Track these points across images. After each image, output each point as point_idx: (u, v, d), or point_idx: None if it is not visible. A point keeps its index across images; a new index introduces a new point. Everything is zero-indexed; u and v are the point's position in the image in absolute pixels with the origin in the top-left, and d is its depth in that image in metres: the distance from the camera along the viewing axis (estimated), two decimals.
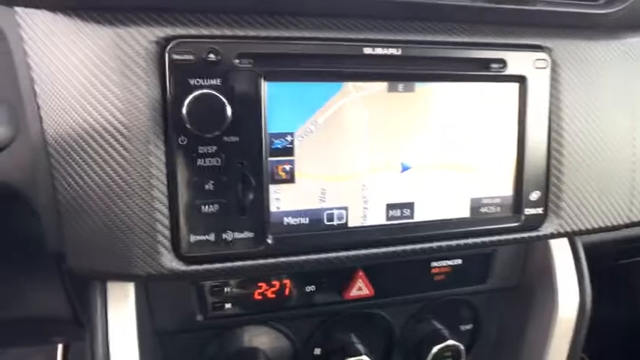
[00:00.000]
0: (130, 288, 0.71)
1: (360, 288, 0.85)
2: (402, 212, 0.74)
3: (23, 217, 0.70)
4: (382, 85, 0.71)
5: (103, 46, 0.62)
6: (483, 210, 0.77)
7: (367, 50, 0.70)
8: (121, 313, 0.70)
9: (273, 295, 0.82)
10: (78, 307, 0.82)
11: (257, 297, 0.82)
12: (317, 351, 0.90)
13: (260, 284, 0.82)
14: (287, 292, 0.83)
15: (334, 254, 0.71)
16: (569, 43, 0.80)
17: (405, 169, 0.73)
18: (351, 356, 0.87)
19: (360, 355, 0.87)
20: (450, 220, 0.76)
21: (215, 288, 0.79)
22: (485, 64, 0.75)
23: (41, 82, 0.63)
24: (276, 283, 0.82)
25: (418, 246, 0.74)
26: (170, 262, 0.65)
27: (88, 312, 0.72)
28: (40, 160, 0.64)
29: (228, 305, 0.81)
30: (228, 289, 0.80)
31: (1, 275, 0.81)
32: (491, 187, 0.77)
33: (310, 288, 0.83)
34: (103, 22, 0.62)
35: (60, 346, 1.64)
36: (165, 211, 0.64)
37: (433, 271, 0.89)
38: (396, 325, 0.92)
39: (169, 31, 0.63)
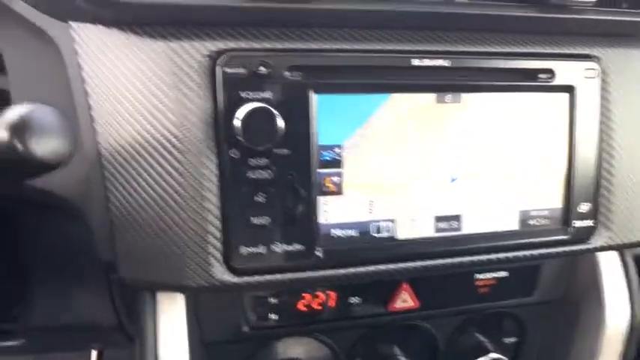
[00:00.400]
0: (180, 298, 0.72)
1: (405, 300, 0.84)
2: (450, 224, 0.73)
3: (74, 227, 0.71)
4: (430, 97, 0.71)
5: (157, 60, 0.63)
6: (532, 222, 0.76)
7: (415, 62, 0.70)
8: (172, 323, 0.71)
9: (318, 307, 0.82)
10: (124, 315, 0.83)
11: (301, 308, 0.81)
12: None
13: (304, 295, 0.81)
14: (331, 303, 0.82)
15: (383, 267, 0.71)
16: (618, 52, 0.79)
17: (452, 180, 0.72)
18: None
19: None
20: (499, 232, 0.75)
21: (260, 299, 0.79)
22: (533, 74, 0.74)
23: (95, 95, 0.64)
24: (321, 294, 0.82)
25: (466, 258, 0.74)
26: (221, 273, 0.65)
27: (137, 321, 0.72)
28: (93, 172, 0.65)
29: (272, 316, 0.81)
30: (273, 300, 0.80)
31: (49, 283, 0.83)
32: (540, 199, 0.76)
33: (355, 299, 0.83)
34: (157, 36, 0.63)
35: (94, 353, 1.66)
36: (217, 223, 0.64)
37: (478, 283, 0.88)
38: (440, 338, 0.91)
39: (221, 44, 0.63)
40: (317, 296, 0.82)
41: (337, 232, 0.69)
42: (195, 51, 0.63)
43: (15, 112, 0.50)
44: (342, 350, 0.87)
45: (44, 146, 0.50)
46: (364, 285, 0.82)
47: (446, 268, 0.73)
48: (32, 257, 0.80)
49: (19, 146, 0.49)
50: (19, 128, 0.49)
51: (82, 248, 0.73)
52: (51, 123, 0.51)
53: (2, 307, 0.85)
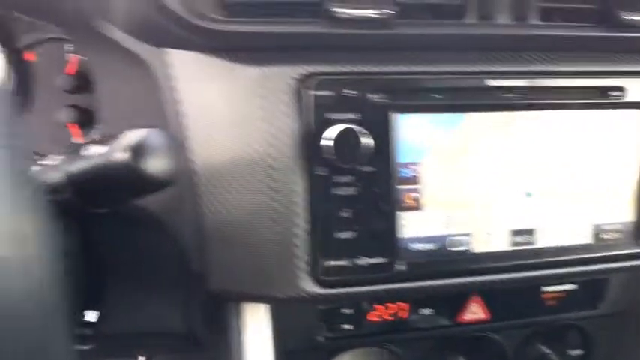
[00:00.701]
0: (264, 309, 0.75)
1: (475, 311, 0.86)
2: (525, 238, 0.75)
3: (158, 239, 0.75)
4: (505, 115, 0.73)
5: (248, 84, 0.67)
6: (605, 236, 0.77)
7: (490, 82, 0.72)
8: (257, 333, 0.74)
9: (389, 317, 0.85)
10: (200, 324, 0.86)
11: (373, 319, 0.84)
12: None
13: (376, 307, 0.84)
14: (402, 314, 0.85)
15: (460, 279, 0.73)
16: None
17: (527, 195, 0.74)
18: None
19: None
20: (572, 246, 0.76)
21: (334, 309, 0.82)
22: (604, 91, 0.76)
23: (189, 116, 0.68)
24: (392, 305, 0.84)
25: (541, 272, 0.75)
26: (309, 286, 0.68)
27: (221, 331, 0.76)
28: (187, 189, 0.69)
29: (345, 326, 0.83)
30: (346, 311, 0.83)
31: (126, 291, 0.87)
32: (613, 213, 0.78)
33: (425, 311, 0.85)
34: (248, 61, 0.67)
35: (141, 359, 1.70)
36: (305, 237, 0.68)
37: (546, 295, 0.89)
38: (508, 349, 0.92)
39: (310, 68, 0.67)
40: (389, 307, 0.84)
41: (416, 246, 0.72)
42: (284, 75, 0.67)
43: (133, 135, 0.55)
44: None
45: (160, 166, 0.54)
46: (436, 296, 0.85)
47: (521, 281, 0.75)
48: (112, 266, 0.85)
49: (139, 166, 0.53)
50: (139, 150, 0.53)
51: (164, 259, 0.77)
52: (163, 144, 0.55)
53: (80, 312, 0.90)
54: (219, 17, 0.65)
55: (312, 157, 0.67)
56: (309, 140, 0.67)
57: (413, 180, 0.71)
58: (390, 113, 0.69)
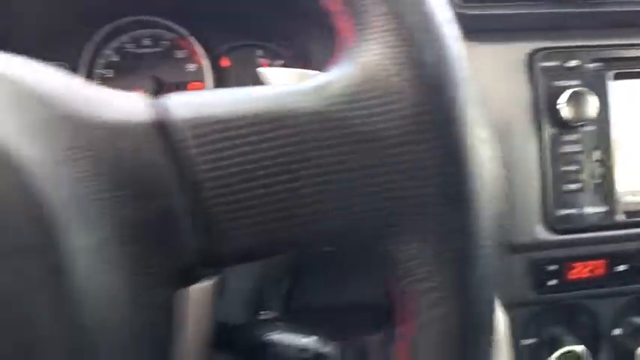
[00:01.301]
0: None
1: None
2: None
3: None
4: None
5: (484, 60, 0.78)
6: None
7: None
8: None
9: (588, 275, 0.92)
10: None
11: (573, 276, 0.92)
12: (617, 331, 0.97)
13: (575, 265, 0.92)
14: (599, 272, 0.92)
15: None
16: None
17: None
18: None
19: None
20: None
21: (539, 267, 0.90)
22: None
23: None
24: (591, 263, 0.92)
25: None
26: (543, 233, 0.78)
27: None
28: None
29: (550, 283, 0.91)
30: (550, 268, 0.91)
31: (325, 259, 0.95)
32: None
33: (621, 267, 0.92)
34: (484, 40, 0.79)
35: None
36: (539, 189, 0.78)
37: None
38: None
39: (538, 44, 0.78)
40: (587, 265, 0.92)
41: (630, 199, 0.81)
42: (516, 51, 0.78)
43: None
44: (601, 318, 0.96)
45: None
46: (626, 254, 0.92)
47: None
48: None
49: None
50: None
51: None
52: None
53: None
54: (460, 2, 0.77)
55: (544, 120, 0.77)
56: (540, 104, 0.77)
57: (627, 139, 0.81)
58: (607, 80, 0.79)
